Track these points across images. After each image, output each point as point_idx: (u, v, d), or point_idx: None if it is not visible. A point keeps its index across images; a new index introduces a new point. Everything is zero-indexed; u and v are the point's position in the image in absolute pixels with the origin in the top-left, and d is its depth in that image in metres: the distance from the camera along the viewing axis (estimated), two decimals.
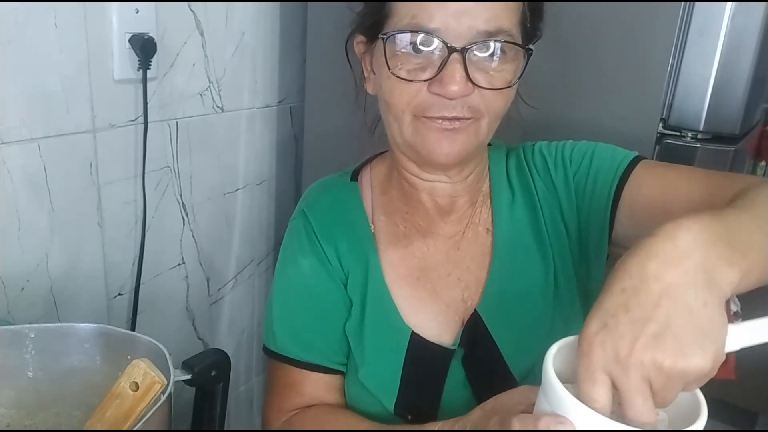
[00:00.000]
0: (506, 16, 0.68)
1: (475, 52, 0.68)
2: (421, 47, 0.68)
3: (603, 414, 0.47)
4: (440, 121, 0.70)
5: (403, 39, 0.69)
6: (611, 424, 0.47)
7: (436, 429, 0.68)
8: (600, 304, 0.48)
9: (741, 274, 0.48)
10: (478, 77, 0.68)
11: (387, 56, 0.69)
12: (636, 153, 0.78)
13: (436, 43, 0.67)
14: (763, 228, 0.53)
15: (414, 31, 0.67)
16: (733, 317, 1.16)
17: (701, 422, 0.48)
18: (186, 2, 1.11)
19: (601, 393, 0.47)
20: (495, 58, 0.69)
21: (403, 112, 0.71)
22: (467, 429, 0.64)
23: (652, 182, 0.73)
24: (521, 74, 0.72)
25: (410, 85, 0.69)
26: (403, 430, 0.74)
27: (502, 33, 0.68)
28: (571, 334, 0.54)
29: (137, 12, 1.02)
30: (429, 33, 0.67)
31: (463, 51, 0.67)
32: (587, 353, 0.47)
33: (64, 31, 0.94)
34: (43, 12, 0.91)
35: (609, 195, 0.75)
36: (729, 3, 0.88)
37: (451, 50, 0.67)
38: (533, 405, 0.54)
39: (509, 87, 0.71)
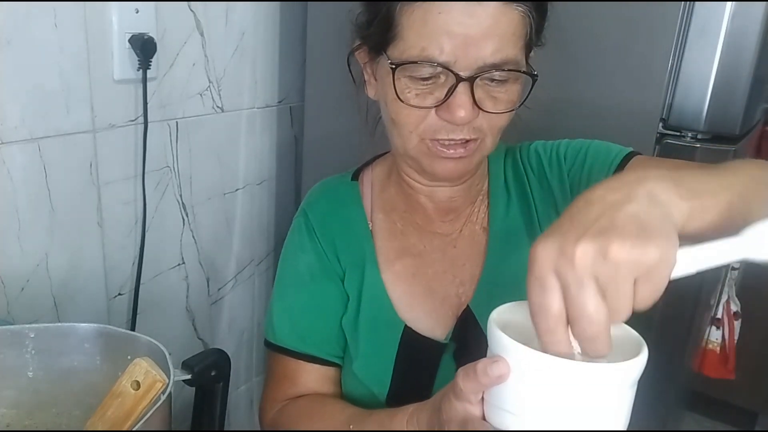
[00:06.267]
0: (512, 45, 0.69)
1: (481, 80, 0.69)
2: (429, 76, 0.69)
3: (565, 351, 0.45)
4: (447, 144, 0.72)
5: (412, 69, 0.69)
6: (547, 359, 0.46)
7: (410, 410, 0.69)
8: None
9: (691, 209, 0.47)
10: (485, 102, 0.70)
11: (395, 82, 0.70)
12: (630, 149, 0.78)
13: (445, 72, 0.68)
14: (722, 182, 0.52)
15: (424, 63, 0.68)
16: (733, 317, 1.16)
17: (642, 358, 0.47)
18: (186, 2, 1.11)
19: (554, 299, 0.45)
20: (500, 83, 0.70)
21: (410, 133, 0.73)
22: (436, 405, 0.63)
23: None
24: (525, 98, 0.73)
25: (418, 109, 0.71)
26: (379, 415, 0.74)
27: (508, 63, 0.69)
28: None
29: (137, 12, 1.02)
30: (439, 65, 0.68)
31: (470, 80, 0.68)
32: (533, 259, 0.46)
33: (64, 31, 0.94)
34: (43, 12, 0.91)
35: None
36: (729, 3, 0.88)
37: (459, 79, 0.68)
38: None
39: (512, 110, 0.72)
